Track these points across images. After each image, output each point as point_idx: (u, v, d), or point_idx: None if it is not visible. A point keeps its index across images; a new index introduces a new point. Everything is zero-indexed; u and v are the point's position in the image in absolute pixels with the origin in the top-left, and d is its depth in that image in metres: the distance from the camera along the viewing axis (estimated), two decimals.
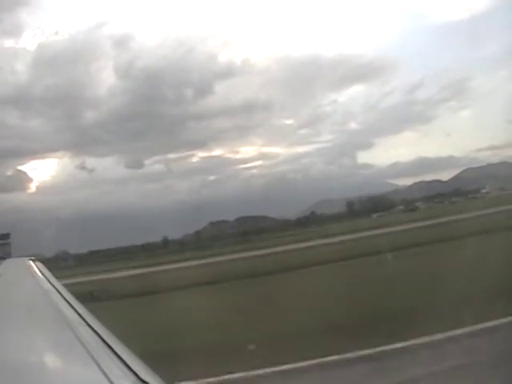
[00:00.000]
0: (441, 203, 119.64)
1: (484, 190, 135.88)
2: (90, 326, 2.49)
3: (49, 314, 3.02)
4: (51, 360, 2.10)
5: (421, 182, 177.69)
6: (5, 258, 7.93)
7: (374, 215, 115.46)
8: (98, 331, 2.35)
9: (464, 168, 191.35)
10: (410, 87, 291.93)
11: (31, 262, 6.60)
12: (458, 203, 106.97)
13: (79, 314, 2.80)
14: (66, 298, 3.47)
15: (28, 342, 2.38)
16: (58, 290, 3.87)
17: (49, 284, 4.30)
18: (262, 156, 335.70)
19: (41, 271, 5.47)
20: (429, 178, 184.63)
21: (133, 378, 1.70)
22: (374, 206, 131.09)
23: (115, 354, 1.97)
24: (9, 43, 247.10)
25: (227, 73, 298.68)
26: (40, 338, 2.49)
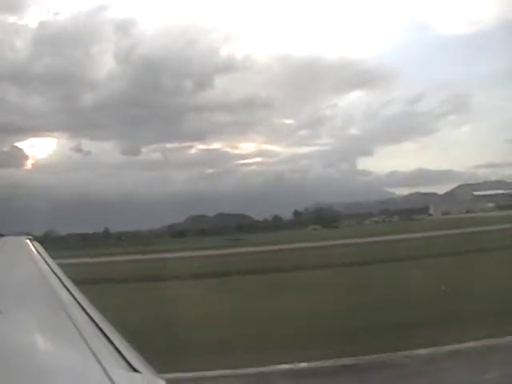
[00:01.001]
0: (387, 221, 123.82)
1: (431, 212, 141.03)
2: (84, 310, 2.54)
3: (45, 295, 3.07)
4: (44, 342, 2.12)
5: (416, 193, 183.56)
6: (2, 235, 7.85)
7: (311, 227, 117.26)
8: (93, 316, 2.39)
9: (460, 183, 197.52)
10: (412, 98, 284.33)
11: (28, 241, 6.55)
12: (393, 223, 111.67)
13: (74, 297, 2.85)
14: (63, 280, 3.50)
15: (24, 322, 2.39)
16: (54, 272, 3.90)
17: (45, 265, 4.34)
18: (261, 153, 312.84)
19: (38, 251, 5.47)
20: (426, 189, 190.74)
21: (125, 365, 1.74)
22: (321, 217, 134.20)
23: (108, 340, 2.01)
24: (10, 19, 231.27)
25: (228, 67, 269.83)
26: (35, 319, 2.51)
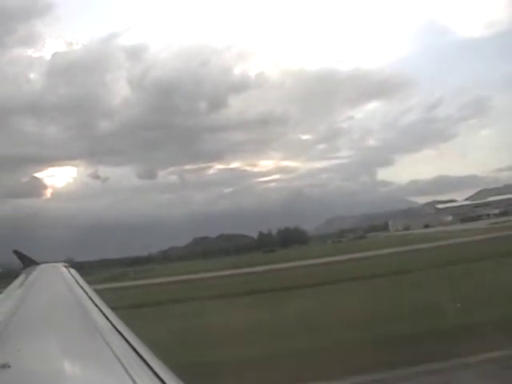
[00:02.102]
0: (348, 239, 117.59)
1: (389, 228, 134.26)
2: (123, 336, 2.49)
3: (83, 321, 3.05)
4: (83, 369, 2.10)
5: (433, 201, 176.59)
6: (38, 264, 7.54)
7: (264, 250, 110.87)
8: (132, 342, 2.34)
9: (479, 189, 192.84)
10: (430, 105, 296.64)
11: (64, 267, 6.49)
12: (343, 243, 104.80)
13: (112, 323, 2.81)
14: (100, 306, 3.44)
15: (62, 348, 2.39)
16: (91, 298, 3.84)
17: (82, 291, 4.28)
18: (280, 170, 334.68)
19: (74, 277, 5.38)
20: (445, 197, 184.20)
21: None
22: (289, 238, 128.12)
23: (147, 365, 1.97)
24: (25, 52, 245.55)
25: (242, 86, 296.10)
26: (74, 345, 2.47)
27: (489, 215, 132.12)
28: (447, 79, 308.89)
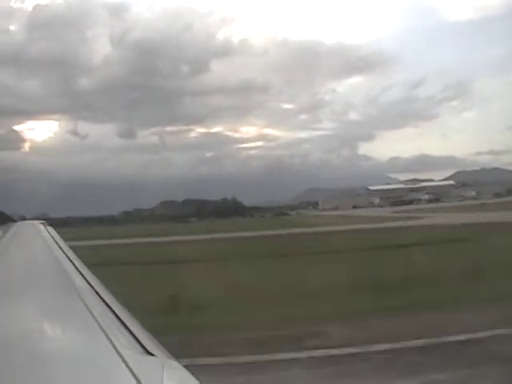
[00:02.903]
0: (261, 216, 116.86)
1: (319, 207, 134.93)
2: (98, 294, 2.53)
3: (59, 279, 3.08)
4: (58, 326, 2.10)
5: (414, 179, 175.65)
6: (15, 221, 7.97)
7: (193, 219, 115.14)
8: (107, 300, 2.39)
9: (457, 170, 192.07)
10: (413, 84, 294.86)
11: (42, 225, 6.58)
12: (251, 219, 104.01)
13: (88, 282, 2.84)
14: (76, 264, 3.45)
15: (37, 306, 2.43)
16: (67, 256, 3.84)
17: (59, 249, 4.28)
18: (262, 137, 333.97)
19: (51, 236, 5.42)
20: (424, 176, 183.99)
21: (140, 349, 1.71)
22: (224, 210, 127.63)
23: (123, 323, 2.00)
24: (5, 2, 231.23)
25: (224, 51, 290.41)
26: (48, 302, 2.51)
27: (420, 200, 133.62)
28: (431, 60, 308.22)
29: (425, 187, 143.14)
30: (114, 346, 1.65)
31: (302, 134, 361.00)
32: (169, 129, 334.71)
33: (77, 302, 2.30)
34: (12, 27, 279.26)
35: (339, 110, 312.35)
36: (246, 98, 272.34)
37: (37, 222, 7.27)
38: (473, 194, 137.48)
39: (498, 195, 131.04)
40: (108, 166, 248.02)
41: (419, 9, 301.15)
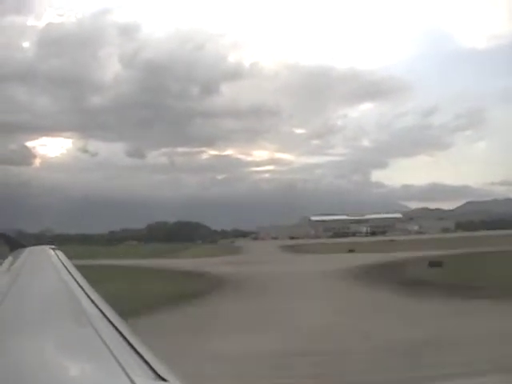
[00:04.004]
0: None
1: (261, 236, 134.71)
2: (109, 320, 2.52)
3: (69, 307, 3.07)
4: (70, 355, 2.09)
5: (424, 208, 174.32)
6: (25, 246, 7.40)
7: (134, 242, 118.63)
8: (118, 327, 2.36)
9: (468, 200, 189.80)
10: (425, 111, 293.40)
11: (52, 250, 6.38)
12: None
13: (99, 308, 2.83)
14: (87, 291, 3.37)
15: (49, 335, 2.40)
16: (78, 283, 3.72)
17: (70, 276, 4.16)
18: (273, 162, 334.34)
19: (61, 261, 5.26)
20: (437, 205, 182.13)
21: (152, 375, 1.72)
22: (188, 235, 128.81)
23: (134, 350, 1.99)
24: (18, 20, 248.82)
25: (235, 74, 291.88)
26: (60, 331, 2.48)
27: (361, 233, 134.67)
28: (445, 87, 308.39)
29: (368, 219, 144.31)
30: (127, 373, 1.68)
31: (314, 160, 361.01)
32: (179, 150, 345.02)
33: (88, 330, 2.31)
34: (25, 44, 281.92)
35: (351, 135, 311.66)
36: (256, 121, 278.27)
37: (47, 248, 7.02)
38: (416, 228, 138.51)
39: (445, 230, 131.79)
40: (112, 184, 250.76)
41: (434, 35, 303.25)
